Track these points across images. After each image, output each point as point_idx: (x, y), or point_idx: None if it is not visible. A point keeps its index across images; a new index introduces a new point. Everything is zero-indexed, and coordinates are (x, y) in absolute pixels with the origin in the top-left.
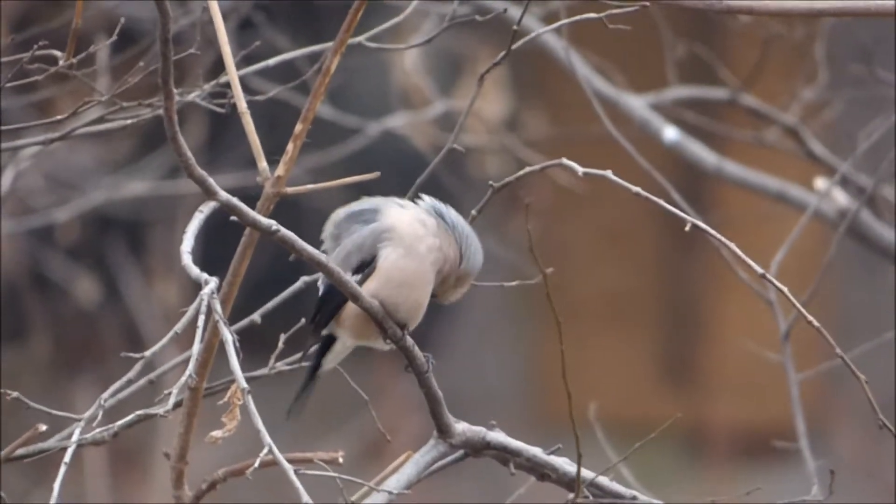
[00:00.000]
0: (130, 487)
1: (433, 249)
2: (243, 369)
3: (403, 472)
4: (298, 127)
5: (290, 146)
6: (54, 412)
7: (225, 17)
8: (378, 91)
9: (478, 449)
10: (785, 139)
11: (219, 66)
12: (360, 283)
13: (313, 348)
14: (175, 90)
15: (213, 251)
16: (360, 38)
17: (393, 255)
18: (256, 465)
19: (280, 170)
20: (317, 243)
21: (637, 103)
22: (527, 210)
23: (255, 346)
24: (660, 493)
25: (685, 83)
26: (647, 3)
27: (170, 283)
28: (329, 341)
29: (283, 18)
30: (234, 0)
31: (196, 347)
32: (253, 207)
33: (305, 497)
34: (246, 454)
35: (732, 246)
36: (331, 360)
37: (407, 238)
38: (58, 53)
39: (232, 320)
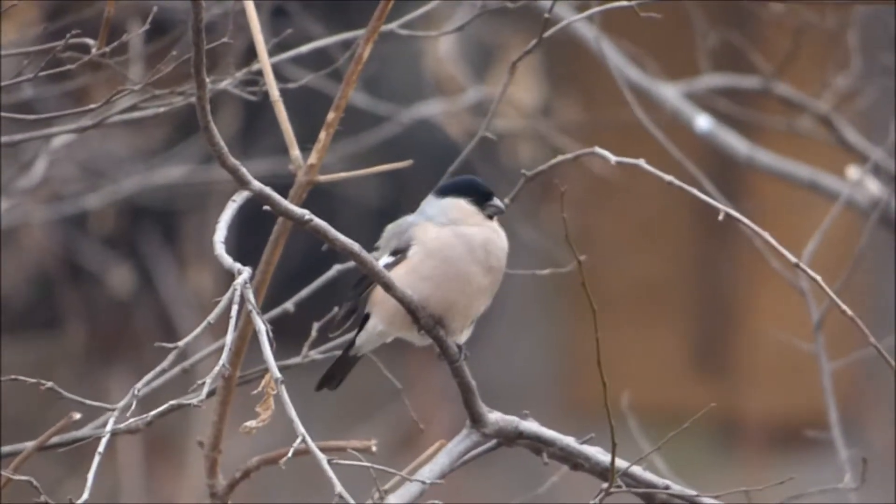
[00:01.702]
0: (164, 476)
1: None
2: (276, 358)
3: (436, 462)
4: (331, 115)
5: (322, 134)
6: (88, 402)
7: (257, 5)
8: (411, 79)
9: (511, 438)
10: (817, 128)
11: (251, 55)
12: (390, 267)
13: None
14: (207, 79)
15: (248, 240)
16: (393, 26)
17: (421, 250)
18: (290, 454)
19: (312, 158)
20: (350, 233)
21: (669, 92)
22: (562, 198)
23: (288, 334)
24: (692, 482)
25: (717, 72)
26: None
27: (203, 272)
28: (365, 319)
29: (316, 6)
30: None
31: (229, 337)
32: (286, 196)
33: (338, 486)
34: (279, 443)
35: (766, 235)
36: (364, 340)
37: (430, 243)
38: (91, 42)
39: (265, 309)
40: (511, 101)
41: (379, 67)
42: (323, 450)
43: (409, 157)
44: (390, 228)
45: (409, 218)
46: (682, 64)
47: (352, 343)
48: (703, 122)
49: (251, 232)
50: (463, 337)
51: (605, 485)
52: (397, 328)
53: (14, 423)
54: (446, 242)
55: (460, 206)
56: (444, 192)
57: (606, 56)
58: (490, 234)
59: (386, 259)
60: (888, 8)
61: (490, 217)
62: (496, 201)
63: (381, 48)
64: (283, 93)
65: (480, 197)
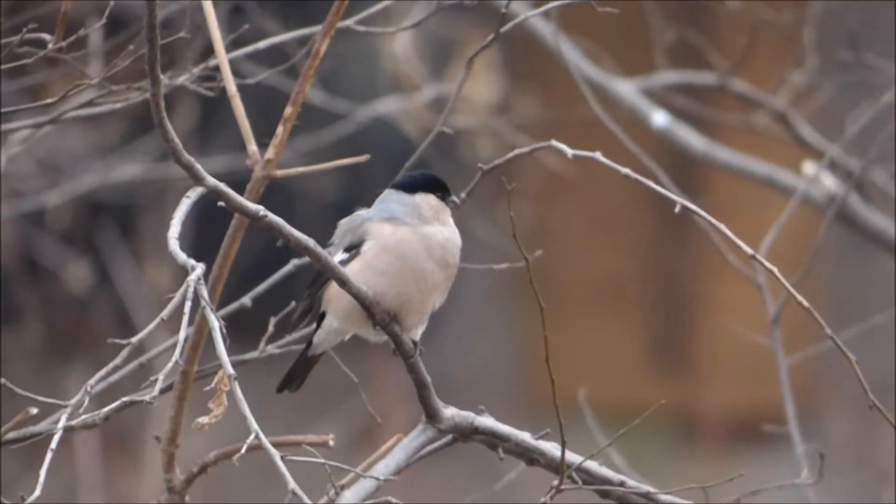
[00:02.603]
0: (122, 472)
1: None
2: (234, 353)
3: (392, 458)
4: (288, 110)
5: (279, 129)
6: (41, 398)
7: (214, 3)
8: (368, 77)
9: (466, 434)
10: (774, 124)
11: (208, 52)
12: (345, 263)
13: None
14: (162, 75)
15: (206, 236)
16: (350, 22)
17: (376, 246)
18: (244, 450)
19: (270, 152)
20: (308, 229)
21: (626, 88)
22: (509, 195)
23: (246, 329)
24: (651, 478)
25: (674, 68)
26: None
27: (161, 268)
28: (322, 317)
29: (272, 5)
30: None
31: (182, 334)
32: (243, 192)
33: (291, 483)
34: (239, 437)
35: (722, 227)
36: (321, 339)
37: (385, 238)
38: (47, 37)
39: (224, 304)
40: (470, 97)
41: (336, 65)
42: (279, 445)
43: (367, 154)
44: (344, 223)
45: (363, 213)
46: (638, 61)
47: (309, 342)
48: (659, 118)
49: (209, 227)
50: (418, 332)
51: (557, 481)
52: (352, 324)
53: None
54: (402, 238)
55: (430, 202)
56: (412, 187)
57: (564, 52)
58: (451, 233)
59: (340, 255)
60: (844, 4)
61: (447, 212)
62: (454, 198)
63: (338, 46)
64: (241, 91)
65: (445, 192)
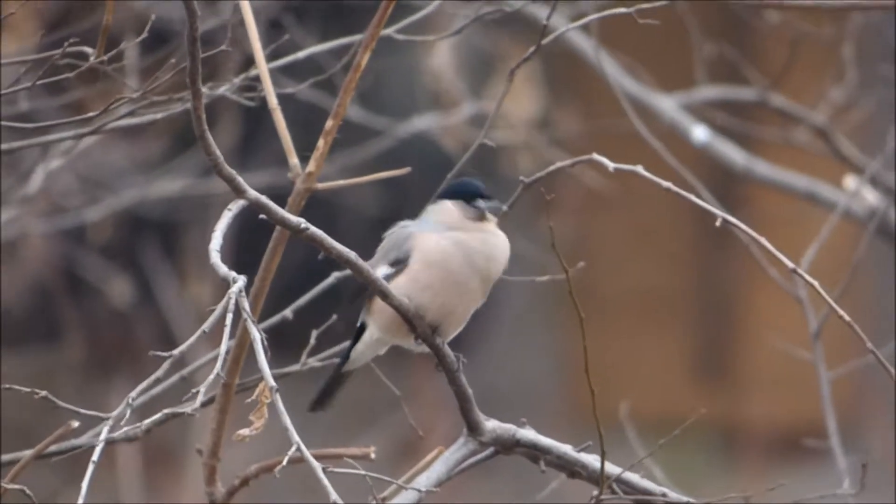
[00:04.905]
0: (164, 485)
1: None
2: (275, 365)
3: (433, 470)
4: (329, 123)
5: (320, 142)
6: (82, 411)
7: (255, 17)
8: (407, 93)
9: (508, 446)
10: (814, 139)
11: (249, 66)
12: (391, 278)
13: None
14: (203, 88)
15: (248, 250)
16: (390, 30)
17: (420, 259)
18: (285, 462)
19: (311, 165)
20: (348, 242)
21: (666, 103)
22: (548, 207)
23: (287, 342)
24: (692, 490)
25: (714, 83)
26: None
27: (203, 283)
28: (360, 331)
29: (311, 20)
30: (264, 0)
31: (224, 346)
32: (285, 206)
33: (333, 495)
34: (281, 450)
35: (763, 240)
36: (361, 352)
37: (430, 253)
38: (89, 50)
39: (265, 316)
40: (510, 112)
41: (376, 81)
42: (320, 457)
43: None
44: (389, 237)
45: (409, 227)
46: (678, 76)
47: (346, 356)
48: (700, 133)
49: (251, 242)
50: (452, 334)
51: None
52: (394, 336)
53: (14, 434)
54: (446, 252)
55: (446, 208)
56: (438, 195)
57: (604, 68)
58: (487, 239)
59: (385, 269)
60: (884, 18)
61: (481, 218)
62: (480, 202)
63: (378, 62)
64: (282, 104)
65: (469, 197)
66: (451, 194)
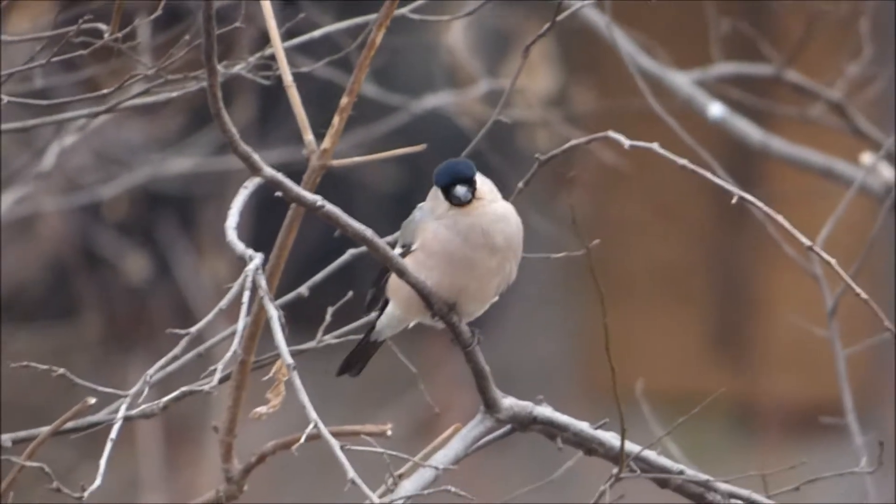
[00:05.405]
0: (182, 461)
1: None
2: (291, 343)
3: (450, 448)
4: (344, 100)
5: (335, 119)
6: (100, 388)
7: None
8: (424, 70)
9: (525, 424)
10: (830, 115)
11: (263, 43)
12: (403, 255)
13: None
14: (218, 65)
15: (265, 227)
16: (405, 10)
17: (421, 247)
18: (303, 439)
19: (326, 142)
20: (365, 219)
21: (682, 80)
22: (569, 184)
23: (303, 319)
24: (709, 467)
25: (730, 59)
26: None
27: (220, 259)
28: (385, 303)
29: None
30: None
31: (241, 324)
32: (300, 183)
33: (351, 472)
34: (298, 427)
35: (779, 218)
36: (384, 325)
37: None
38: (103, 27)
39: (281, 294)
40: (526, 89)
41: (391, 59)
42: (337, 435)
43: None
44: (404, 224)
45: (416, 213)
46: (693, 52)
47: (372, 327)
48: (716, 109)
49: (267, 219)
50: (474, 316)
51: (617, 469)
52: (413, 313)
53: (31, 411)
54: (441, 237)
55: (436, 195)
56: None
57: (619, 44)
58: (481, 214)
59: (399, 251)
60: None
61: (461, 206)
62: (458, 189)
63: (394, 39)
64: (297, 81)
65: (445, 188)
66: (435, 182)
